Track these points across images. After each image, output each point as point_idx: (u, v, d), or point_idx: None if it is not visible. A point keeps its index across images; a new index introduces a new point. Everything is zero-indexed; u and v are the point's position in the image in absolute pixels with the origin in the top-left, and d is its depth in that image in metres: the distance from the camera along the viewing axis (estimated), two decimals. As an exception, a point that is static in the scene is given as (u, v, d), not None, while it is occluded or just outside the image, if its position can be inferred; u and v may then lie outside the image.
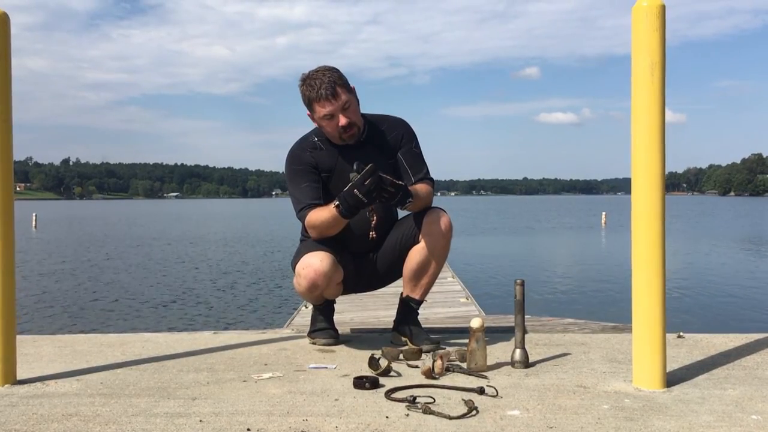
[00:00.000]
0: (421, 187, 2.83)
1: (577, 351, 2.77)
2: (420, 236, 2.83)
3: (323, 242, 2.83)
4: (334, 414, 1.94)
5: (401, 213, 2.94)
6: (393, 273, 2.97)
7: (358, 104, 2.83)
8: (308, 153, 2.87)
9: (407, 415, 1.92)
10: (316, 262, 2.71)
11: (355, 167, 2.58)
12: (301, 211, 2.81)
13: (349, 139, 2.80)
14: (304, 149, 2.88)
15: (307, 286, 2.74)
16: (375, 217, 2.80)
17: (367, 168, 2.54)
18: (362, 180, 2.54)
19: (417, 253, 2.84)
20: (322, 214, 2.72)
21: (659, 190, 2.17)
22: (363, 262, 2.94)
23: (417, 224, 2.84)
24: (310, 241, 2.88)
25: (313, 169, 2.84)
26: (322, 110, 2.72)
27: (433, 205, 2.89)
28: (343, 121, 2.74)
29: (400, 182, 2.69)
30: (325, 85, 2.69)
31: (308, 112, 2.81)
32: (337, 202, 2.62)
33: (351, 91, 2.79)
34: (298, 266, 2.77)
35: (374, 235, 2.84)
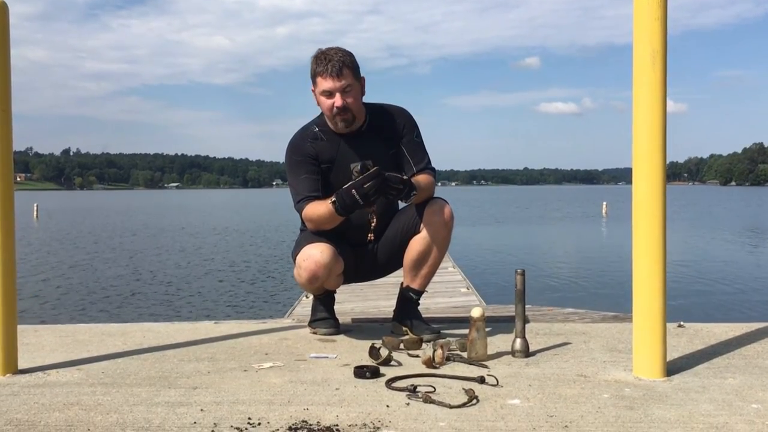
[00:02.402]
0: (423, 178, 2.82)
1: (577, 340, 2.77)
2: (421, 226, 2.82)
3: (323, 233, 2.82)
4: (335, 403, 1.95)
5: (401, 204, 2.93)
6: (394, 263, 2.96)
7: (363, 95, 2.83)
8: (309, 143, 2.85)
9: (408, 404, 1.93)
10: (316, 254, 2.71)
11: (359, 166, 2.55)
12: (299, 203, 2.81)
13: (342, 123, 2.77)
14: (304, 139, 2.87)
15: (308, 278, 2.74)
16: (375, 220, 2.72)
17: (371, 170, 2.52)
18: (362, 182, 2.52)
19: (418, 243, 2.83)
20: (318, 209, 2.71)
21: (660, 180, 2.17)
22: (363, 252, 2.94)
23: (418, 214, 2.83)
24: (310, 232, 2.88)
25: (313, 160, 2.83)
26: (323, 84, 2.71)
27: (434, 196, 2.89)
28: (338, 101, 2.71)
29: (405, 177, 2.68)
30: (333, 62, 2.69)
31: (312, 87, 2.79)
32: (333, 199, 2.62)
33: (358, 78, 2.78)
34: (299, 258, 2.77)
35: (372, 237, 2.78)
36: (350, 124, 2.79)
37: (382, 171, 2.54)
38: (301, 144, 2.87)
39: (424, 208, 2.83)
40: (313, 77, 2.75)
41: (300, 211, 2.81)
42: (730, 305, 10.07)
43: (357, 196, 2.54)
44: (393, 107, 2.96)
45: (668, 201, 2.20)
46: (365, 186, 2.52)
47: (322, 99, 2.75)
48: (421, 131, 2.95)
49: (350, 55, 2.75)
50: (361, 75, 2.80)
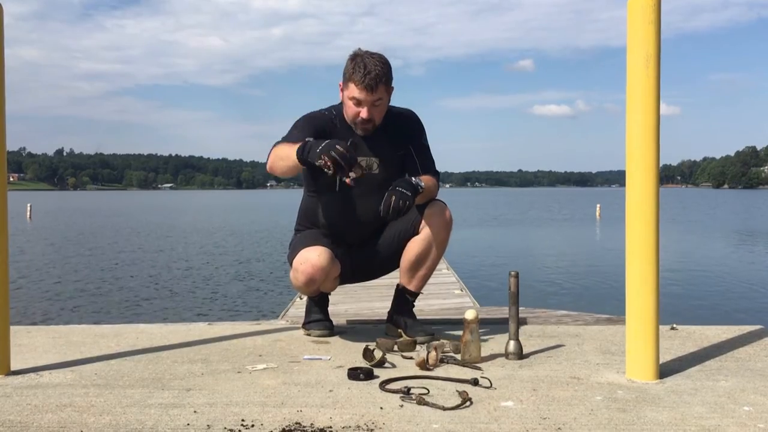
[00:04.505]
0: (427, 180, 2.84)
1: (570, 343, 2.78)
2: (420, 228, 2.83)
3: (320, 235, 2.83)
4: (329, 405, 1.95)
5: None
6: (391, 263, 2.97)
7: (389, 102, 2.82)
8: (323, 122, 2.80)
9: (401, 406, 1.93)
10: (313, 257, 2.71)
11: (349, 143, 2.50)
12: (277, 142, 2.70)
13: (362, 131, 2.78)
14: (320, 117, 2.82)
15: (305, 281, 2.74)
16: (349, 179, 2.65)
17: (348, 148, 2.39)
18: (332, 145, 2.37)
19: (416, 245, 2.84)
20: (286, 148, 2.59)
21: (654, 183, 2.17)
22: (360, 252, 2.94)
23: (418, 216, 2.84)
24: (306, 234, 2.88)
25: (317, 132, 2.74)
26: (354, 92, 2.68)
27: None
28: (365, 113, 2.71)
29: (415, 181, 2.67)
30: (371, 76, 2.65)
31: (341, 83, 2.76)
32: (298, 149, 2.46)
33: (389, 91, 2.77)
34: (296, 261, 2.76)
35: (349, 182, 2.58)
36: (369, 133, 2.79)
37: (353, 152, 2.42)
38: (317, 118, 2.81)
39: (423, 209, 2.84)
40: (346, 79, 2.71)
41: (272, 146, 2.69)
42: (722, 308, 10.10)
43: (316, 149, 2.40)
44: (404, 110, 2.96)
45: (663, 205, 2.20)
46: (320, 148, 2.37)
47: (350, 104, 2.73)
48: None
49: (387, 66, 2.72)
50: (392, 85, 2.78)
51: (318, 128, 2.77)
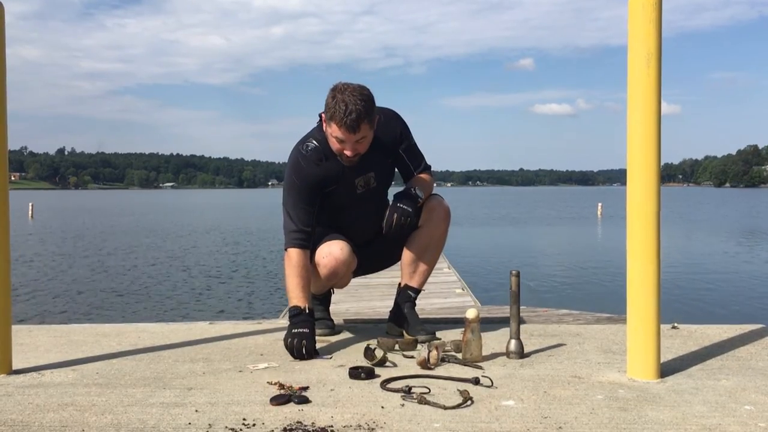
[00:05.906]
0: (424, 179, 2.87)
1: (571, 342, 2.78)
2: (419, 222, 2.85)
3: (334, 231, 2.84)
4: (330, 404, 1.95)
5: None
6: (392, 258, 3.00)
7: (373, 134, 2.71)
8: (315, 166, 2.73)
9: (402, 405, 1.93)
10: (336, 251, 2.73)
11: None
12: (290, 234, 2.73)
13: (347, 163, 2.70)
14: (311, 161, 2.73)
15: (327, 275, 2.76)
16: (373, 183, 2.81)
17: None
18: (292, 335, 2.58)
19: (416, 239, 2.87)
20: (290, 271, 2.71)
21: (655, 182, 2.17)
22: (365, 249, 2.94)
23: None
24: (321, 230, 2.86)
25: (317, 188, 2.73)
26: (336, 132, 2.59)
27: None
28: (349, 152, 2.63)
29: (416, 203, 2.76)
30: (353, 117, 2.53)
31: (324, 114, 2.66)
32: (299, 306, 2.66)
33: (372, 126, 2.65)
34: (318, 255, 2.76)
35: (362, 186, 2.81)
36: (353, 164, 2.72)
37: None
38: (308, 167, 2.73)
39: (422, 205, 2.85)
40: (328, 117, 2.60)
41: (286, 247, 2.74)
42: (723, 307, 10.10)
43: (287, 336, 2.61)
44: (384, 113, 2.82)
45: (665, 204, 2.20)
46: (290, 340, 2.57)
47: (333, 140, 2.64)
48: (413, 131, 2.96)
49: (369, 101, 2.58)
50: (375, 116, 2.65)
51: (312, 182, 2.72)
